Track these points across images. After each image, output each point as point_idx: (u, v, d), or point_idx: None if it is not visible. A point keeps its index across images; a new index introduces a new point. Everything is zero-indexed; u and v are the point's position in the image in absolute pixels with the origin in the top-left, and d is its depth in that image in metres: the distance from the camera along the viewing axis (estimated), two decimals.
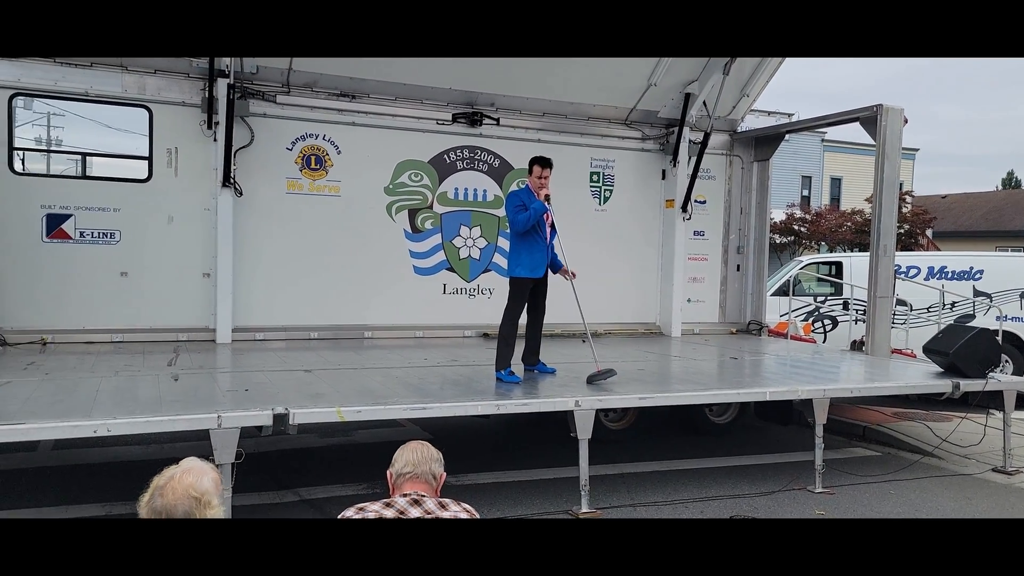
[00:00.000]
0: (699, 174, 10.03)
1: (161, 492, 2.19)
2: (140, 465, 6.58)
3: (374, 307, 8.87)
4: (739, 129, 10.79)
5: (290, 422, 4.94)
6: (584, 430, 5.67)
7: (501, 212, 9.47)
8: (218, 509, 2.27)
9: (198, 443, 6.30)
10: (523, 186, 6.72)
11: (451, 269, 9.31)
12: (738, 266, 10.93)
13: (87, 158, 8.20)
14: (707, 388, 6.69)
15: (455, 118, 9.10)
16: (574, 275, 6.52)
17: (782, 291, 11.84)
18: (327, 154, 8.61)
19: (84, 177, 8.00)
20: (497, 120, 9.27)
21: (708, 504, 6.08)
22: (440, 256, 9.25)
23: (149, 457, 6.77)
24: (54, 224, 7.51)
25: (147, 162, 7.86)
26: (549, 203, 6.34)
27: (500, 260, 9.41)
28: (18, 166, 7.57)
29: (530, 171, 6.50)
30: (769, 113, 11.38)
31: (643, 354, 8.45)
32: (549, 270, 6.57)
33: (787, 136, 11.04)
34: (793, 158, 30.80)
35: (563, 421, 6.18)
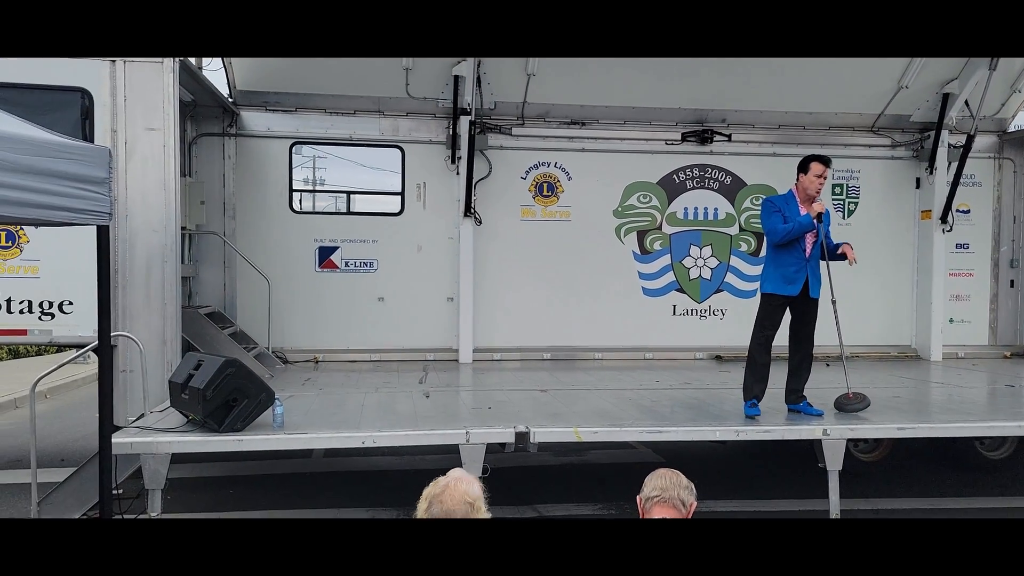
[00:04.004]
0: (961, 181, 9.05)
1: (439, 499, 2.40)
2: (397, 474, 7.20)
3: (604, 329, 8.99)
4: (1010, 129, 9.60)
5: (531, 440, 5.16)
6: (834, 461, 5.32)
7: (733, 231, 9.21)
8: (487, 514, 2.46)
9: (444, 456, 6.79)
10: (787, 192, 5.82)
11: (681, 290, 9.19)
12: (1012, 281, 9.68)
13: (350, 196, 9.21)
14: (979, 419, 5.98)
15: (684, 137, 9.02)
16: (853, 260, 5.63)
17: None
18: (558, 180, 8.92)
19: (348, 213, 8.98)
20: (729, 136, 9.05)
21: None
22: (669, 277, 9.18)
23: (403, 467, 7.38)
24: (325, 255, 8.52)
25: (400, 197, 8.67)
26: (822, 221, 5.54)
27: (733, 280, 9.16)
28: (296, 205, 8.69)
29: (805, 170, 5.62)
30: None
31: (897, 379, 7.75)
32: (815, 278, 5.62)
33: None
34: None
35: (805, 451, 5.85)
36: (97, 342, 5.77)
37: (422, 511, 2.42)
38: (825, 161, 5.63)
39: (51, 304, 6.27)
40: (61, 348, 12.72)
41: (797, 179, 5.72)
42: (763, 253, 6.98)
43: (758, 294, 5.89)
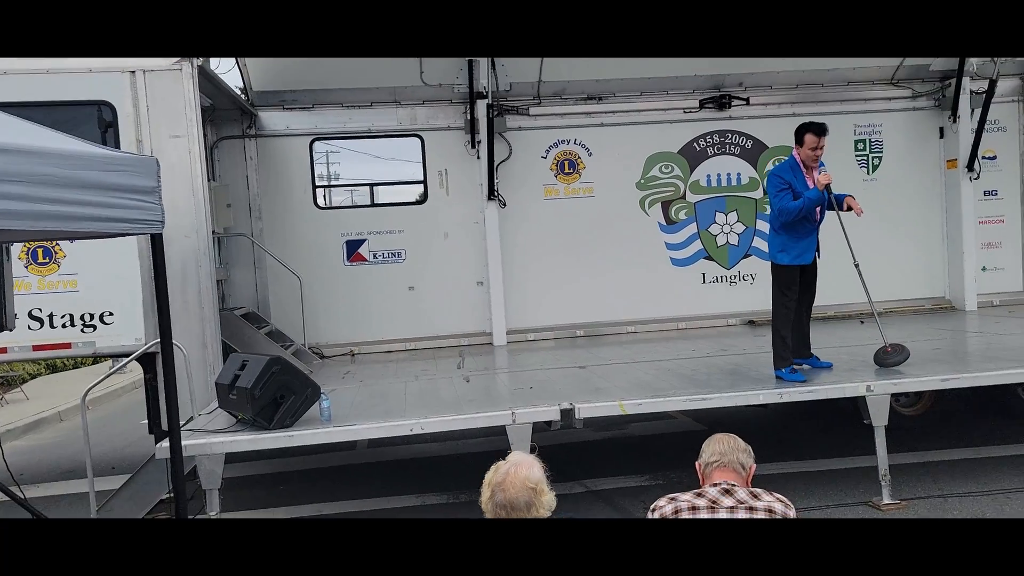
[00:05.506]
0: (986, 127, 8.92)
1: (501, 488, 2.40)
2: (442, 460, 7.28)
3: (634, 301, 8.98)
4: None
5: (576, 416, 5.20)
6: (879, 416, 5.32)
7: (758, 194, 9.16)
8: (550, 495, 2.47)
9: (487, 439, 6.87)
10: (785, 160, 5.78)
11: (709, 258, 9.16)
12: None
13: (374, 188, 9.26)
14: (1022, 365, 5.93)
15: (702, 104, 8.95)
16: (859, 211, 5.60)
17: None
18: (579, 157, 8.90)
19: (373, 205, 9.03)
20: (747, 100, 8.97)
21: None
22: (697, 245, 9.15)
23: (447, 452, 7.46)
24: (352, 249, 8.58)
25: (422, 185, 8.70)
26: (830, 192, 5.49)
27: (760, 244, 9.08)
28: (320, 201, 8.75)
29: (800, 141, 5.56)
30: None
31: (935, 331, 7.70)
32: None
33: None
34: None
35: (846, 409, 5.85)
36: (142, 350, 5.90)
37: (485, 499, 2.43)
38: (818, 131, 5.51)
39: (92, 316, 6.38)
40: (97, 360, 12.96)
41: (795, 147, 5.66)
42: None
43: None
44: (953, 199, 9.24)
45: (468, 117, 8.45)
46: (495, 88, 8.34)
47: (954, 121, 9.09)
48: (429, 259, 8.67)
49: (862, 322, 8.41)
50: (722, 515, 2.64)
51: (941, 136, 9.33)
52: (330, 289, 8.52)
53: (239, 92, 8.23)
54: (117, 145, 6.24)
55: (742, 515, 2.63)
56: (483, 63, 7.99)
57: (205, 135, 7.92)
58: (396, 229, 8.60)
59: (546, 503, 2.44)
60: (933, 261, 9.39)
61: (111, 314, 6.35)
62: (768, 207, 8.90)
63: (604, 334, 8.89)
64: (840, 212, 5.70)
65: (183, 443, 4.82)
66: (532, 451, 5.21)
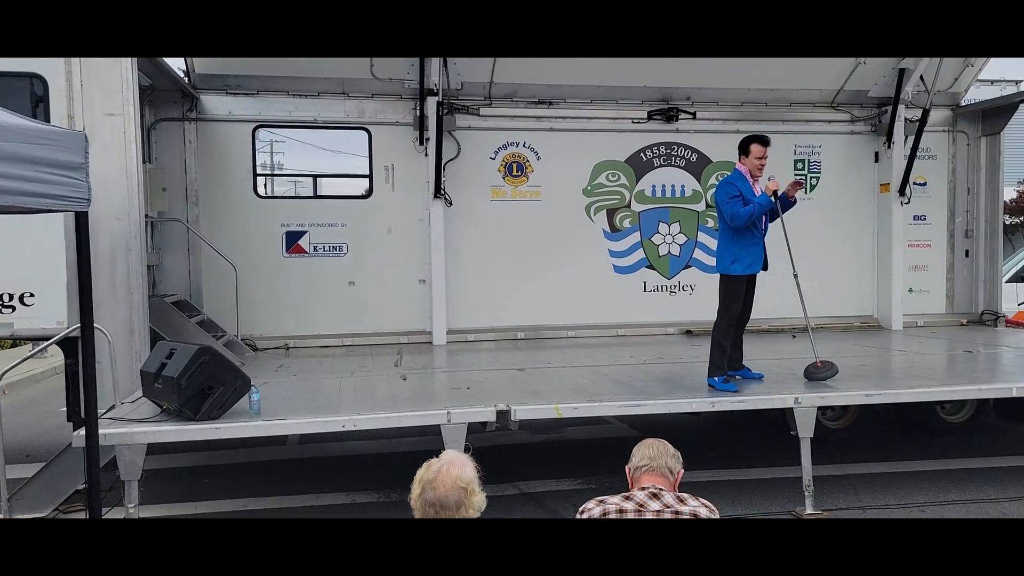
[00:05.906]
0: (918, 154, 9.28)
1: (432, 486, 2.36)
2: (374, 458, 7.18)
3: (576, 306, 9.03)
4: (963, 102, 9.85)
5: (512, 418, 5.19)
6: (805, 428, 5.46)
7: (700, 207, 9.32)
8: (481, 496, 2.45)
9: (421, 438, 6.80)
10: (733, 172, 6.04)
11: (651, 267, 9.28)
12: (967, 251, 9.98)
13: (317, 179, 9.09)
14: (941, 384, 6.18)
15: (651, 115, 9.07)
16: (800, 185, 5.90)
17: (1020, 277, 10.66)
18: (527, 160, 8.91)
19: (316, 197, 8.87)
20: (693, 114, 9.12)
21: (946, 508, 5.62)
22: (639, 254, 9.26)
23: (379, 451, 7.36)
24: (292, 240, 8.40)
25: (368, 179, 8.58)
26: (777, 198, 5.71)
27: (701, 256, 9.26)
28: (261, 190, 8.54)
29: (745, 152, 5.85)
30: (992, 82, 10.31)
31: (862, 348, 7.95)
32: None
33: (1022, 106, 9.92)
34: None
35: (776, 420, 5.98)
36: (63, 334, 5.65)
37: (415, 496, 2.39)
38: (763, 141, 5.86)
39: (11, 296, 6.08)
40: (16, 343, 12.40)
41: (740, 159, 5.94)
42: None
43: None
44: (884, 222, 9.58)
45: (417, 113, 8.38)
46: (446, 86, 8.29)
47: (889, 147, 9.42)
48: (371, 254, 8.56)
49: (794, 336, 8.64)
50: (648, 518, 2.65)
51: (876, 160, 9.66)
52: (267, 280, 8.32)
53: (181, 73, 8.00)
54: (48, 121, 5.98)
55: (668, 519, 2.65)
56: (435, 60, 7.94)
57: (143, 115, 7.66)
58: (339, 222, 8.46)
59: (476, 504, 2.41)
60: (863, 280, 9.71)
61: (32, 295, 6.06)
62: (711, 219, 9.22)
63: (544, 337, 8.91)
64: (783, 218, 5.89)
65: (104, 431, 4.65)
66: (466, 451, 5.18)
